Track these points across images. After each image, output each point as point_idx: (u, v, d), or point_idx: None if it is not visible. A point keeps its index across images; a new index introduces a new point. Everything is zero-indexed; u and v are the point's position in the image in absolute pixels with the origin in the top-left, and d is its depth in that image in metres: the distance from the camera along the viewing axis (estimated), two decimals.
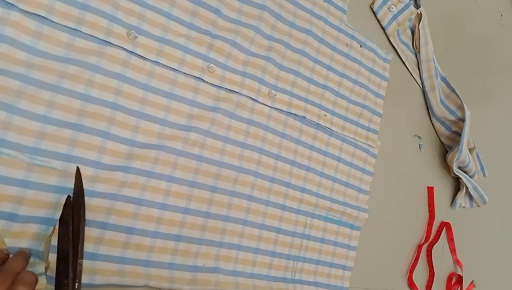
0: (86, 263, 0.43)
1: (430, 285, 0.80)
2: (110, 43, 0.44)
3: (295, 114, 0.59)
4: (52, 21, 0.41)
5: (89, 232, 0.43)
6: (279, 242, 0.58)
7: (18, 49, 0.39)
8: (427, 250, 0.80)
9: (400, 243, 0.76)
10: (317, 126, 0.62)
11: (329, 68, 0.63)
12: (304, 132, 0.60)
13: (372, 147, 0.69)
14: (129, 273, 0.45)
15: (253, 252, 0.55)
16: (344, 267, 0.65)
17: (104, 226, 0.44)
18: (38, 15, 0.40)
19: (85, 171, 0.43)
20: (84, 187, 0.42)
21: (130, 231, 0.46)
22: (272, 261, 0.57)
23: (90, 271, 0.43)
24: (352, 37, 0.66)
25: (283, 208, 0.58)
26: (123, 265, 0.45)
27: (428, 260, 0.80)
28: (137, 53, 0.46)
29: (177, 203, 0.49)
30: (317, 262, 0.62)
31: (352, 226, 0.66)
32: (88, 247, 0.43)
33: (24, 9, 0.39)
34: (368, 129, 0.68)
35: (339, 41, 0.64)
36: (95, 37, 0.43)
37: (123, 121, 0.45)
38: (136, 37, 0.45)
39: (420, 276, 0.79)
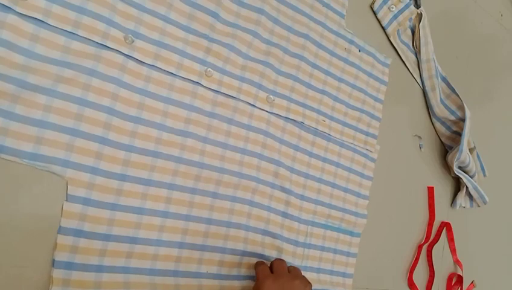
0: (89, 277, 0.42)
1: (430, 285, 0.80)
2: (107, 46, 0.43)
3: (293, 119, 0.59)
4: (49, 24, 0.40)
5: (92, 245, 0.43)
6: (284, 250, 0.58)
7: (15, 53, 0.39)
8: (427, 250, 0.80)
9: (400, 244, 0.76)
10: (316, 132, 0.61)
11: (327, 73, 0.63)
12: (303, 138, 0.60)
13: (371, 151, 0.69)
14: (134, 283, 0.45)
15: (257, 258, 0.55)
16: (344, 275, 0.65)
17: (107, 237, 0.44)
18: (35, 18, 0.39)
19: (82, 178, 0.42)
20: (82, 195, 0.42)
21: (133, 240, 0.46)
22: None
23: (95, 285, 0.43)
24: (351, 42, 0.66)
25: (284, 215, 0.58)
26: (128, 275, 0.45)
27: (428, 260, 0.80)
28: (135, 57, 0.45)
29: (179, 211, 0.49)
30: (318, 270, 0.62)
31: (352, 233, 0.66)
32: (92, 259, 0.43)
33: (21, 12, 0.39)
34: (367, 134, 0.68)
35: (338, 46, 0.64)
36: (92, 40, 0.43)
37: (120, 126, 0.45)
38: (133, 41, 0.45)
39: (420, 276, 0.79)
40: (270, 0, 0.56)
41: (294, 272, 0.49)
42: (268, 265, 0.52)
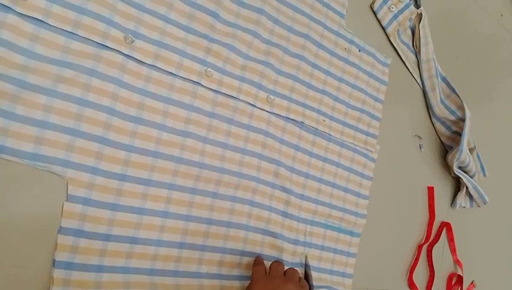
0: (89, 277, 0.42)
1: (430, 285, 0.80)
2: (107, 46, 0.43)
3: (293, 119, 0.59)
4: (49, 24, 0.40)
5: (92, 245, 0.43)
6: (284, 249, 0.57)
7: (15, 53, 0.39)
8: (427, 250, 0.80)
9: (400, 244, 0.76)
10: (316, 132, 0.61)
11: (327, 73, 0.63)
12: (303, 138, 0.60)
13: (371, 151, 0.69)
14: (134, 283, 0.45)
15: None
16: (344, 275, 0.65)
17: (107, 237, 0.44)
18: (35, 18, 0.39)
19: (82, 178, 0.42)
20: (82, 195, 0.42)
21: (133, 240, 0.46)
22: None
23: (96, 285, 0.43)
24: (351, 42, 0.66)
25: (284, 215, 0.58)
26: (128, 275, 0.45)
27: (428, 260, 0.80)
28: (135, 57, 0.45)
29: (179, 211, 0.49)
30: (318, 270, 0.62)
31: (352, 233, 0.66)
32: (92, 259, 0.43)
33: (21, 12, 0.39)
34: (367, 134, 0.68)
35: (338, 46, 0.64)
36: (92, 40, 0.43)
37: (120, 126, 0.45)
38: (133, 41, 0.45)
39: (420, 276, 0.79)
40: (270, 0, 0.56)
41: (289, 275, 0.49)
42: (268, 265, 0.52)
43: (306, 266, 0.53)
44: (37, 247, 0.40)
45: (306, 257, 0.54)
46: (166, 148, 0.48)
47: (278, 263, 0.51)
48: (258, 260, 0.52)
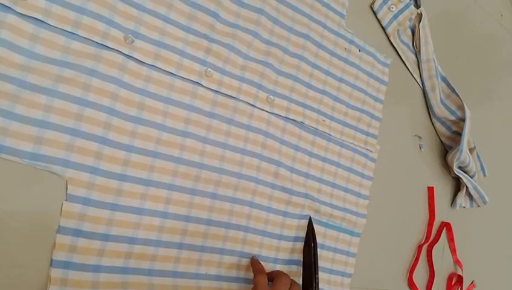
0: (87, 277, 0.42)
1: (430, 285, 0.80)
2: (107, 46, 0.43)
3: (293, 120, 0.59)
4: (49, 24, 0.40)
5: (90, 244, 0.43)
6: (281, 249, 0.57)
7: (15, 53, 0.39)
8: (427, 250, 0.80)
9: (400, 244, 0.76)
10: (316, 132, 0.61)
11: (327, 73, 0.63)
12: (303, 138, 0.60)
13: (371, 151, 0.69)
14: (132, 284, 0.45)
15: None
16: (343, 274, 0.65)
17: (105, 237, 0.44)
18: (35, 18, 0.39)
19: (81, 178, 0.42)
20: (82, 195, 0.42)
21: (132, 240, 0.46)
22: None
23: (93, 285, 0.43)
24: (351, 42, 0.66)
25: (285, 214, 0.58)
26: (126, 275, 0.45)
27: (428, 260, 0.80)
28: (135, 57, 0.45)
29: (178, 211, 0.49)
30: (319, 269, 0.62)
31: (352, 233, 0.66)
32: (90, 259, 0.43)
33: (21, 12, 0.39)
34: (367, 134, 0.68)
35: (338, 46, 0.64)
36: (92, 40, 0.42)
37: (120, 126, 0.45)
38: (133, 41, 0.45)
39: (420, 276, 0.79)
40: (270, 0, 0.56)
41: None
42: (265, 266, 0.51)
43: (309, 225, 0.55)
44: (36, 247, 0.40)
45: (310, 217, 0.56)
46: (166, 148, 0.48)
47: (283, 275, 0.50)
48: (259, 268, 0.52)
